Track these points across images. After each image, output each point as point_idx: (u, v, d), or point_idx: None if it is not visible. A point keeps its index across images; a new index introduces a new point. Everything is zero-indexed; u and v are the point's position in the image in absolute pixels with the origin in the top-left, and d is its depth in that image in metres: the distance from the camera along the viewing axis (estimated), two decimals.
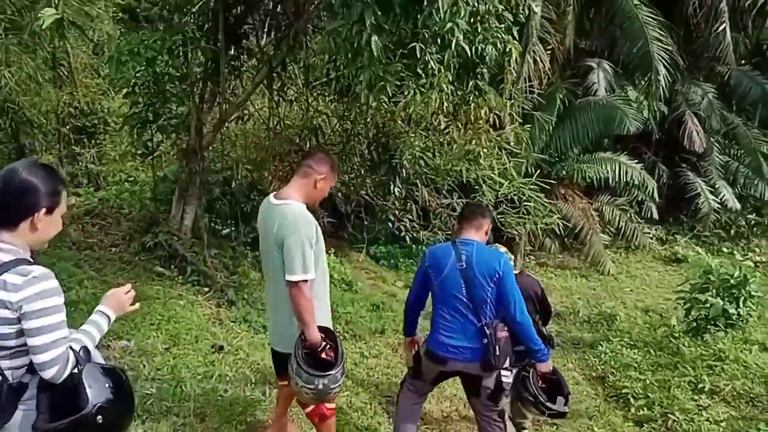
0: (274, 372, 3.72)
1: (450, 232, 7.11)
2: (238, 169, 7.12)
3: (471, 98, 4.94)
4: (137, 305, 2.38)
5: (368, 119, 6.21)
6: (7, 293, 1.89)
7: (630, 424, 5.27)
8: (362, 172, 6.69)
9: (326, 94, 6.55)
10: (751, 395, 5.37)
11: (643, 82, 13.69)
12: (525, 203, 6.49)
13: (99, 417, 2.00)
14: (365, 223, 8.24)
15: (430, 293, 3.65)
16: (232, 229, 7.76)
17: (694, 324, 7.48)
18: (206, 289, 6.43)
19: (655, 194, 13.41)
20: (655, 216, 13.71)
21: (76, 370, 2.02)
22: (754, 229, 14.93)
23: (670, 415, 5.37)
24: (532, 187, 6.51)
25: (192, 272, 6.58)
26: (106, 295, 2.31)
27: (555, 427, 4.96)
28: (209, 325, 5.77)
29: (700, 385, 5.72)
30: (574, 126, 12.34)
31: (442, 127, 6.00)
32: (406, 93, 6.14)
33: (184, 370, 4.66)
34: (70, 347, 2.02)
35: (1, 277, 1.89)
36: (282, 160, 7.20)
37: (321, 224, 9.17)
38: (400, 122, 6.24)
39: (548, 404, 3.63)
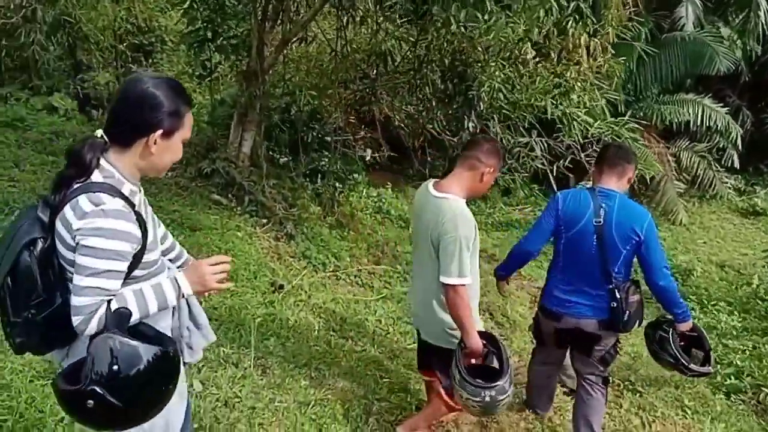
0: (417, 363, 3.46)
1: (526, 174, 6.57)
2: (299, 96, 6.66)
3: (570, 23, 4.30)
4: (230, 284, 1.98)
5: (444, 45, 5.62)
6: (73, 216, 1.65)
7: (721, 396, 4.80)
8: (433, 103, 6.14)
9: (399, 15, 5.94)
10: None
11: (736, 19, 12.51)
12: None
13: (90, 401, 1.62)
14: (428, 159, 7.73)
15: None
16: (291, 158, 7.38)
17: None
18: (264, 221, 6.12)
19: (738, 142, 12.45)
20: (736, 165, 12.76)
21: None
22: None
23: (763, 388, 4.87)
24: (627, 127, 5.85)
25: (249, 202, 6.26)
26: (190, 264, 1.95)
27: (639, 395, 4.54)
28: (268, 260, 5.48)
29: None
30: (658, 63, 11.36)
31: (529, 56, 5.37)
32: (488, 16, 5.55)
33: (243, 311, 4.36)
34: (108, 304, 1.68)
35: (78, 197, 1.66)
36: (347, 88, 6.71)
37: (381, 157, 8.87)
38: (480, 50, 5.62)
39: (691, 366, 3.34)
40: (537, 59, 5.39)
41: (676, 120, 11.89)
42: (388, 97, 6.79)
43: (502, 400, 2.77)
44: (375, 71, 6.24)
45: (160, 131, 1.73)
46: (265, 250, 5.67)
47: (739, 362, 5.32)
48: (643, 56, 10.95)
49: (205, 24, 6.33)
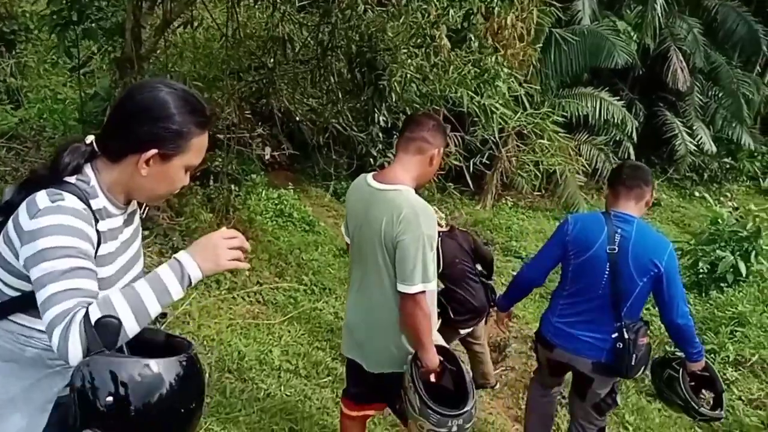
0: (349, 396, 2.86)
1: (441, 171, 6.07)
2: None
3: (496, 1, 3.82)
4: (247, 264, 1.53)
5: (350, 30, 5.02)
6: (25, 215, 1.35)
7: (658, 406, 4.53)
8: (340, 96, 5.51)
9: None
10: None
11: (629, 12, 12.79)
12: (539, 140, 5.47)
13: None
14: (334, 157, 7.10)
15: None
16: None
17: (695, 279, 6.82)
18: (146, 232, 5.24)
19: (634, 134, 12.76)
20: (632, 156, 13.04)
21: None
22: (727, 173, 14.53)
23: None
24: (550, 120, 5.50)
25: None
26: (197, 241, 1.48)
27: None
28: None
29: (723, 354, 5.02)
30: (558, 56, 11.34)
31: (444, 42, 4.87)
32: None
33: None
34: (86, 311, 1.25)
35: (37, 192, 1.37)
36: (240, 78, 5.94)
37: (281, 156, 8.16)
38: (390, 35, 5.06)
39: (702, 410, 3.00)
40: (452, 47, 4.89)
41: (576, 113, 11.98)
42: (288, 89, 6.09)
43: (467, 428, 2.41)
44: (272, 60, 5.53)
45: (154, 150, 1.41)
46: (146, 268, 4.82)
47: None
48: (552, 45, 10.89)
49: (68, 2, 5.34)
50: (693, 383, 3.05)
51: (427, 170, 2.52)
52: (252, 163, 9.07)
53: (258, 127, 7.65)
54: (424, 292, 2.33)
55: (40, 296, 1.28)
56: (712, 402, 3.12)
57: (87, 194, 1.42)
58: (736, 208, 12.66)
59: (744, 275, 6.31)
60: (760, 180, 14.67)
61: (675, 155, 13.47)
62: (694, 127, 13.55)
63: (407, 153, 2.48)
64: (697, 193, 14.10)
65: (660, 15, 11.44)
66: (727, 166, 14.39)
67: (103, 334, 1.22)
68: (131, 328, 1.29)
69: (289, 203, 8.90)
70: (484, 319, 4.06)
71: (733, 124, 13.75)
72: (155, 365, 1.26)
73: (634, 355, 2.78)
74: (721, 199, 13.47)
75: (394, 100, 5.13)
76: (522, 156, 5.81)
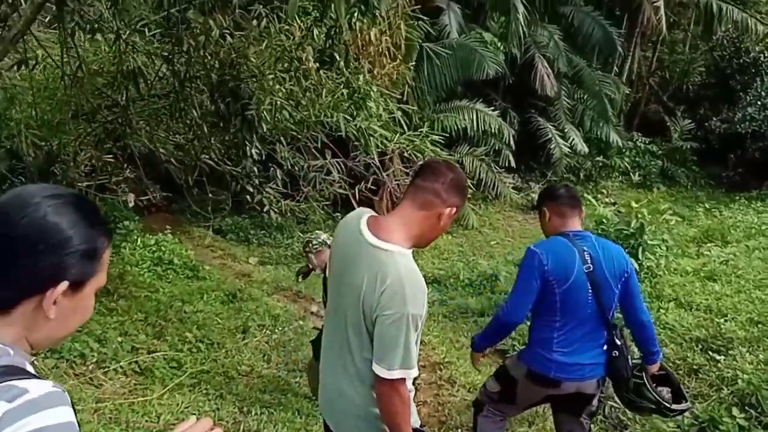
0: None
1: (327, 203, 5.71)
2: (25, 136, 5.07)
3: (356, 14, 3.52)
4: None
5: (208, 57, 4.56)
6: None
7: None
8: (205, 130, 5.02)
9: (146, 25, 4.77)
10: (692, 365, 4.68)
11: (494, 23, 13.15)
12: (419, 162, 5.24)
13: None
14: (210, 195, 6.55)
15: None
16: None
17: None
18: None
19: (511, 142, 13.10)
20: (513, 164, 13.39)
21: None
22: (601, 171, 15.26)
23: (608, 401, 4.54)
24: (429, 140, 5.29)
25: None
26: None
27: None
28: None
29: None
30: (432, 71, 11.40)
31: (311, 64, 4.53)
32: (256, 21, 4.61)
33: None
34: None
35: None
36: (92, 120, 5.28)
37: (154, 198, 7.46)
38: (253, 61, 4.65)
39: (673, 406, 3.02)
40: (320, 68, 4.56)
41: (455, 127, 12.10)
42: (147, 128, 5.49)
43: None
44: (124, 97, 4.93)
45: (64, 284, 1.08)
46: None
47: None
48: (424, 61, 10.90)
49: None
50: (653, 385, 3.03)
51: (432, 230, 2.14)
52: (120, 209, 8.30)
53: (123, 171, 6.96)
54: (403, 379, 1.98)
55: None
56: (671, 397, 3.09)
57: (21, 364, 1.08)
58: (614, 203, 13.34)
59: (637, 272, 6.41)
60: (631, 174, 15.53)
61: (551, 159, 13.97)
62: (566, 130, 14.14)
63: (412, 204, 2.09)
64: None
65: (523, 24, 11.80)
66: (600, 164, 15.13)
67: None
68: None
69: (168, 248, 8.21)
70: None
71: (600, 124, 14.49)
72: None
73: (628, 356, 2.93)
74: (599, 196, 14.12)
75: (265, 129, 4.71)
76: (406, 180, 5.56)
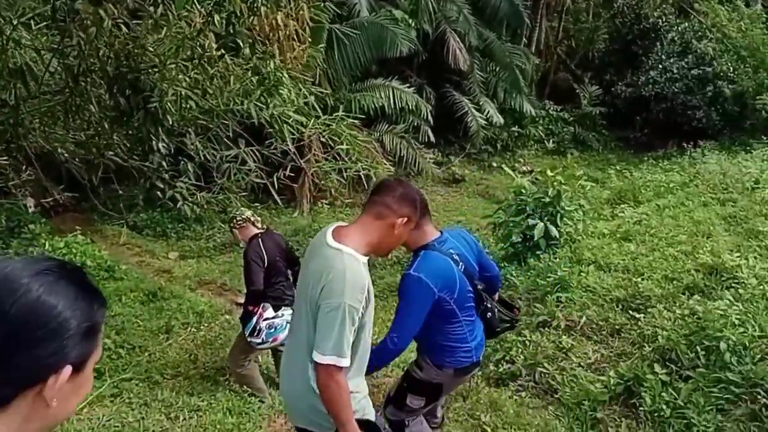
0: None
1: (245, 193, 5.53)
2: None
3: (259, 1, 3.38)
4: None
5: (103, 49, 4.28)
6: None
7: (508, 393, 4.46)
8: (106, 125, 4.73)
9: (32, 18, 4.42)
10: (614, 325, 4.86)
11: (404, 0, 13.10)
12: (338, 146, 5.14)
13: None
14: (120, 191, 6.24)
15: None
16: None
17: (512, 251, 7.04)
18: None
19: (429, 117, 13.19)
20: (432, 139, 13.50)
21: None
22: (517, 141, 15.62)
23: (537, 367, 4.67)
24: (344, 124, 5.19)
25: None
26: None
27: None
28: None
29: (554, 323, 5.11)
30: (345, 52, 11.27)
31: (215, 52, 4.34)
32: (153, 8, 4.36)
33: None
34: None
35: None
36: None
37: (59, 200, 7.05)
38: (151, 50, 4.40)
39: (516, 317, 3.54)
40: (224, 55, 4.38)
41: (372, 106, 12.05)
42: (42, 127, 5.14)
43: None
44: (13, 95, 4.57)
45: (67, 370, 0.96)
46: None
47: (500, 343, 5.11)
48: (335, 43, 10.73)
49: None
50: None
51: (387, 239, 2.40)
52: (24, 213, 7.79)
53: (21, 173, 6.51)
54: (338, 367, 2.16)
55: None
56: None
57: None
58: (531, 171, 13.70)
59: (557, 239, 6.59)
60: (545, 142, 15.98)
61: (469, 131, 14.17)
62: (481, 103, 14.35)
63: (368, 215, 2.39)
64: (494, 164, 15.00)
65: (432, 0, 11.82)
66: (516, 134, 15.49)
67: None
68: None
69: (79, 250, 7.79)
70: None
71: (514, 95, 14.80)
72: None
73: (495, 310, 3.24)
74: (515, 165, 14.46)
75: (171, 121, 4.48)
76: (325, 165, 5.47)
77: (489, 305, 3.20)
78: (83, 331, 1.00)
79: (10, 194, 7.18)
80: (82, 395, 1.08)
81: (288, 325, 4.32)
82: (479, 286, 3.12)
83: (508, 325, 3.47)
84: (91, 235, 8.96)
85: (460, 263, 2.96)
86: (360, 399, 2.39)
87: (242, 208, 4.94)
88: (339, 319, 2.13)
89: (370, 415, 2.45)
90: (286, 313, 4.48)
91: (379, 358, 2.84)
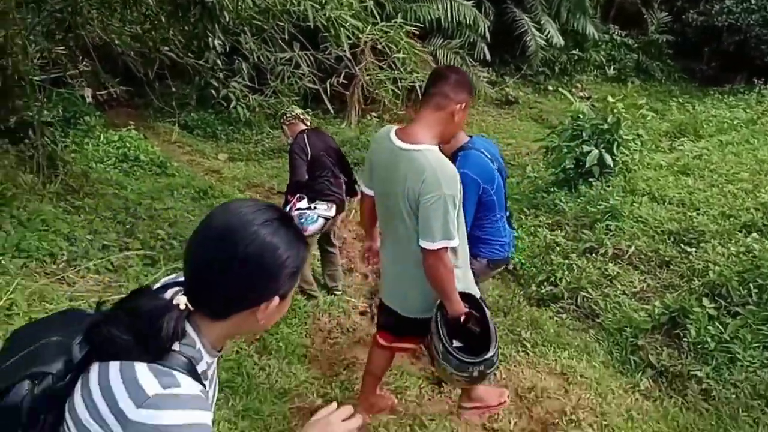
0: (383, 330, 3.02)
1: (297, 98, 5.48)
2: None
3: None
4: None
5: None
6: (126, 398, 1.09)
7: (532, 306, 4.50)
8: (162, 19, 4.68)
9: None
10: (663, 257, 4.78)
11: None
12: (394, 54, 4.98)
13: None
14: (173, 89, 6.25)
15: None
16: None
17: (563, 176, 6.89)
18: None
19: (487, 34, 12.68)
20: (488, 57, 13.04)
21: None
22: (576, 65, 14.99)
23: (580, 291, 4.66)
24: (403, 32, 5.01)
25: None
26: (318, 422, 1.34)
27: None
28: None
29: (602, 250, 5.05)
30: None
31: None
32: None
33: None
34: None
35: (137, 367, 1.12)
36: (37, 9, 4.89)
37: (116, 93, 7.13)
38: None
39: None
40: None
41: (428, 17, 11.63)
42: (100, 17, 5.11)
43: (489, 373, 2.70)
44: None
45: (276, 299, 1.22)
46: None
47: (544, 266, 5.10)
48: None
49: None
50: None
51: (449, 127, 2.52)
52: (81, 104, 7.91)
53: (78, 63, 6.57)
54: (446, 248, 2.42)
55: None
56: None
57: (194, 360, 1.20)
58: (588, 97, 13.19)
59: (611, 167, 6.42)
60: (606, 68, 15.30)
61: (527, 51, 13.61)
62: (542, 22, 13.69)
63: (428, 109, 2.48)
64: (550, 87, 14.48)
65: None
66: (576, 57, 14.83)
67: None
68: None
69: (133, 145, 7.96)
70: (339, 218, 4.73)
71: (577, 15, 14.06)
72: None
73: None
74: (573, 90, 13.94)
75: (227, 18, 4.40)
76: (379, 74, 5.33)
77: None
78: (293, 271, 1.22)
79: (68, 84, 7.31)
80: (278, 317, 1.34)
81: (319, 218, 4.46)
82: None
83: None
84: (144, 131, 9.09)
85: (494, 162, 3.14)
86: (462, 275, 2.65)
87: (292, 106, 4.88)
88: (442, 209, 2.36)
89: (472, 289, 2.73)
90: (321, 207, 4.50)
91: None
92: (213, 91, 4.72)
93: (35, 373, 1.18)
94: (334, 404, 1.41)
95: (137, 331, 1.15)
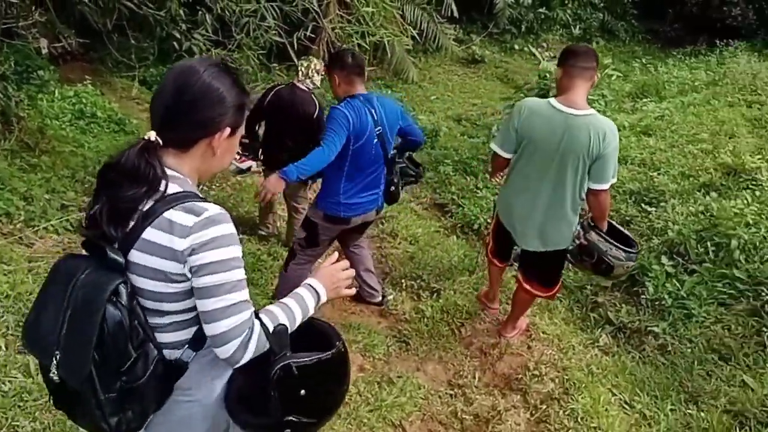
0: (501, 256, 3.67)
1: (262, 52, 5.33)
2: None
3: None
4: (354, 289, 1.82)
5: None
6: (171, 239, 1.38)
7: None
8: None
9: None
10: (624, 216, 4.88)
11: None
12: (363, 8, 4.87)
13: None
14: (132, 42, 6.03)
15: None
16: None
17: None
18: None
19: None
20: (456, 14, 12.87)
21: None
22: (543, 23, 14.95)
23: None
24: None
25: None
26: (318, 268, 1.73)
27: (436, 294, 4.05)
28: None
29: None
30: None
31: None
32: None
33: None
34: (261, 322, 1.48)
35: (165, 214, 1.39)
36: None
37: (70, 46, 6.84)
38: None
39: (421, 173, 4.01)
40: None
41: None
42: None
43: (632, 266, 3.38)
44: None
45: (227, 130, 1.51)
46: None
47: None
48: None
49: None
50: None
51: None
52: (34, 57, 7.56)
53: (32, 13, 6.26)
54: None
55: (212, 304, 1.39)
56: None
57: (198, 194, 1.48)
58: (554, 57, 13.20)
59: None
60: (572, 27, 15.29)
61: (494, 9, 13.50)
62: None
63: (585, 81, 3.01)
64: (516, 47, 14.43)
65: None
66: (542, 16, 14.77)
67: (276, 341, 1.49)
68: (290, 330, 1.55)
69: (89, 100, 7.65)
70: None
71: None
72: (328, 356, 1.60)
73: (399, 183, 3.70)
74: (539, 49, 13.91)
75: None
76: (347, 28, 5.21)
77: (396, 179, 3.64)
78: (236, 106, 1.50)
79: (20, 36, 6.96)
80: (229, 156, 1.58)
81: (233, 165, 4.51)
82: (391, 152, 3.52)
83: (413, 179, 3.93)
84: (101, 86, 8.74)
85: (378, 126, 3.31)
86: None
87: (311, 57, 4.71)
88: (615, 156, 2.99)
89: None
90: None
91: (308, 160, 3.17)
92: (175, 44, 4.56)
93: (110, 293, 1.35)
94: (336, 254, 1.77)
95: (135, 180, 1.39)
